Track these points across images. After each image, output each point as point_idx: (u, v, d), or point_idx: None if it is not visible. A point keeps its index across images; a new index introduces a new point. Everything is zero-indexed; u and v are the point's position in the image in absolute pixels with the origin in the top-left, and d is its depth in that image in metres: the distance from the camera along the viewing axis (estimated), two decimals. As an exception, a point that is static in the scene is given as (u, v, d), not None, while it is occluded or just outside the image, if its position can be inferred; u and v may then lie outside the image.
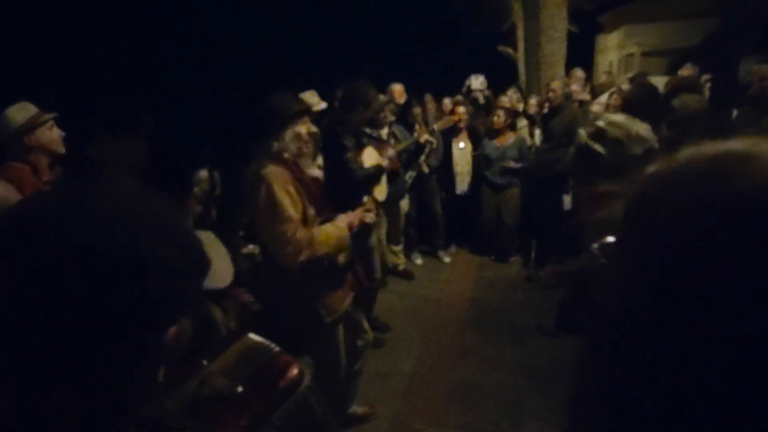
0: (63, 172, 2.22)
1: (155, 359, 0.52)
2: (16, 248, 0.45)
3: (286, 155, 2.04)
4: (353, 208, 2.26)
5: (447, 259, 5.21)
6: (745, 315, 0.27)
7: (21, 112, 2.12)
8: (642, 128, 1.51)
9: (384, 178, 3.43)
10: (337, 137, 3.03)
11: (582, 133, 1.58)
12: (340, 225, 2.08)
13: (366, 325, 2.49)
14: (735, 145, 0.32)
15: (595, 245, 0.92)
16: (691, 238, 0.30)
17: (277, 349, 0.90)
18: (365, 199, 2.88)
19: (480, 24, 15.64)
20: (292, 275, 2.00)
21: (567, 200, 4.84)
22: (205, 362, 0.91)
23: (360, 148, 3.20)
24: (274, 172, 1.96)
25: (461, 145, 5.14)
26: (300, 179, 2.06)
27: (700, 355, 0.28)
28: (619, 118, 1.57)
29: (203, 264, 0.54)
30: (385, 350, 3.52)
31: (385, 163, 3.38)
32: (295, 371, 0.85)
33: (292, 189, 1.97)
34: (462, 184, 5.20)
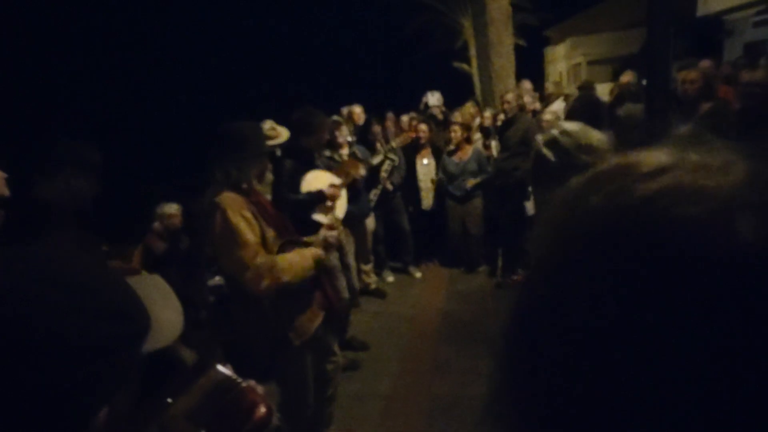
0: (6, 216, 2.11)
1: None
2: None
3: (244, 185, 2.01)
4: (307, 232, 2.24)
5: (418, 275, 5.23)
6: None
7: None
8: (596, 138, 1.57)
9: (343, 196, 3.44)
10: (277, 163, 3.06)
11: (538, 139, 1.64)
12: (305, 254, 2.04)
13: (336, 348, 2.45)
14: (632, 157, 0.30)
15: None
16: (554, 263, 0.29)
17: (244, 384, 0.87)
18: (324, 219, 2.86)
19: (434, 42, 16.14)
20: (258, 300, 1.95)
21: (529, 206, 4.98)
22: (169, 400, 0.86)
23: (305, 172, 3.22)
24: (228, 197, 1.93)
25: (425, 161, 5.23)
26: (256, 202, 2.03)
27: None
28: (574, 126, 1.62)
29: (140, 331, 0.50)
30: (362, 372, 3.47)
31: (337, 182, 3.39)
32: (262, 410, 0.81)
33: (248, 214, 1.93)
34: (427, 200, 5.27)
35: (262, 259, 1.89)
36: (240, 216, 1.90)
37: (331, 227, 2.25)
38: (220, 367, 0.95)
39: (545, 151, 1.58)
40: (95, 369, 0.44)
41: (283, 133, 3.84)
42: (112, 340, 0.46)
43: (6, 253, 0.46)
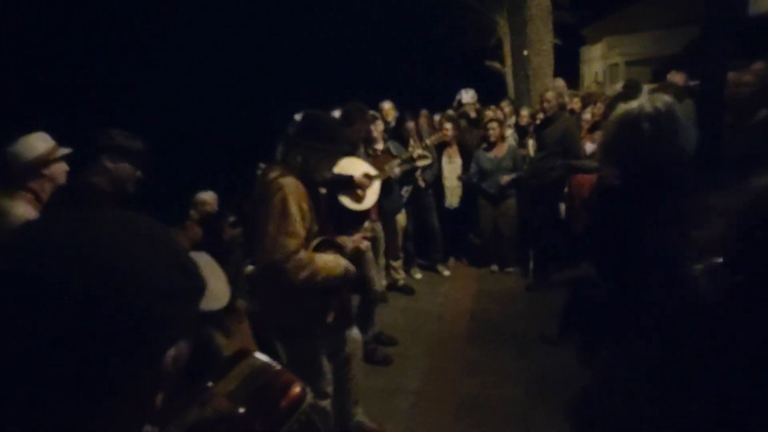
0: (60, 199, 2.21)
1: (154, 382, 0.51)
2: (20, 268, 0.45)
3: (315, 176, 2.08)
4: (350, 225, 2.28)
5: (446, 273, 5.20)
6: None
7: (41, 142, 2.21)
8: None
9: (375, 190, 3.48)
10: None
11: (633, 107, 1.54)
12: (339, 262, 2.09)
13: (352, 342, 2.46)
14: None
15: (699, 266, 0.89)
16: None
17: (278, 367, 0.89)
18: (366, 224, 2.90)
19: (467, 41, 15.96)
20: (282, 283, 1.99)
21: (563, 208, 4.89)
22: (209, 384, 0.89)
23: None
24: (293, 184, 1.98)
25: (451, 160, 5.19)
26: (314, 195, 2.09)
27: None
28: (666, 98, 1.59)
29: (200, 286, 0.54)
30: (391, 367, 3.47)
31: (372, 173, 3.44)
32: (297, 390, 0.84)
33: (305, 206, 1.99)
34: (451, 198, 5.23)
35: (303, 254, 1.95)
36: (298, 206, 1.95)
37: (366, 238, 2.31)
38: (258, 354, 0.97)
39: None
40: (167, 312, 0.49)
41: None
42: (180, 290, 0.51)
43: (91, 213, 0.51)
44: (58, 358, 0.43)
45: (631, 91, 4.12)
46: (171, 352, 0.50)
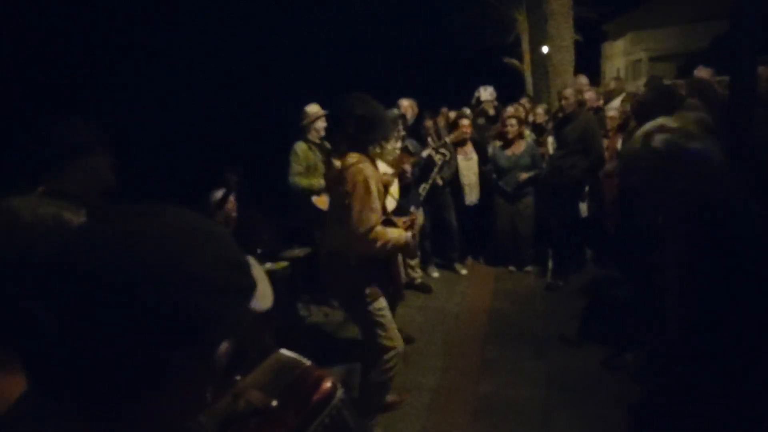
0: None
1: (207, 375, 0.52)
2: (88, 264, 0.46)
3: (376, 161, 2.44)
4: None
5: (463, 272, 5.17)
6: None
7: None
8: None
9: (394, 188, 3.53)
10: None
11: (659, 139, 1.39)
12: (402, 234, 2.43)
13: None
14: None
15: None
16: None
17: (308, 363, 0.90)
18: (412, 209, 3.23)
19: (485, 38, 15.81)
20: (350, 259, 2.35)
21: (583, 207, 4.81)
22: (238, 378, 0.90)
23: None
24: (370, 168, 2.33)
25: (467, 157, 5.15)
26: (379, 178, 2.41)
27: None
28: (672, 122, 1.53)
29: (251, 285, 0.56)
30: (408, 365, 3.47)
31: (389, 171, 3.54)
32: (328, 384, 0.84)
33: (380, 186, 2.35)
34: (470, 195, 5.19)
35: (380, 227, 2.33)
36: (376, 186, 2.31)
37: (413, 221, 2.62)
38: (284, 351, 0.98)
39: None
40: (220, 308, 0.50)
41: (315, 109, 4.16)
42: (234, 287, 0.52)
43: (148, 208, 0.52)
44: (121, 349, 0.45)
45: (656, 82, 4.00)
46: (223, 347, 0.52)
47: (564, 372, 3.23)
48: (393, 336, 2.50)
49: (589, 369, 3.22)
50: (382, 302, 2.48)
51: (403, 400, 2.97)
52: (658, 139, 1.37)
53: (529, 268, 5.08)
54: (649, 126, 1.39)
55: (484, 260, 5.41)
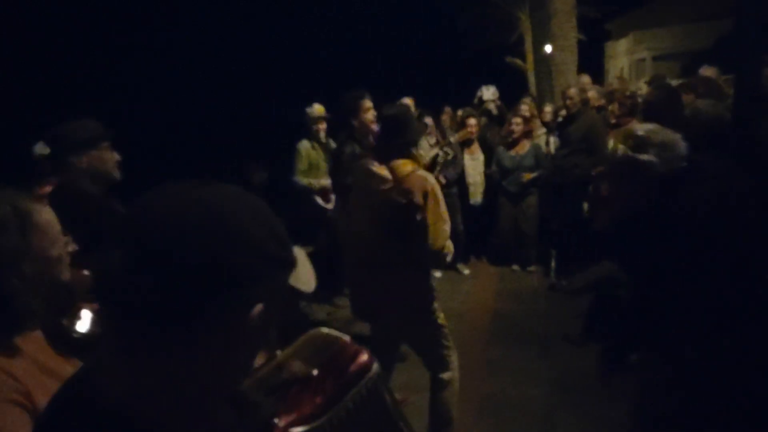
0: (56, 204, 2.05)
1: (246, 335, 0.56)
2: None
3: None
4: None
5: (466, 272, 5.16)
6: None
7: None
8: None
9: None
10: (338, 148, 3.38)
11: (621, 147, 1.59)
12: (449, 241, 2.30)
13: None
14: None
15: None
16: None
17: (347, 338, 0.93)
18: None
19: (488, 37, 15.78)
20: (420, 272, 2.24)
21: (586, 207, 4.79)
22: (278, 352, 0.93)
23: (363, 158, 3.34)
24: (430, 175, 2.21)
25: (473, 156, 5.14)
26: None
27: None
28: (651, 126, 1.62)
29: (290, 259, 0.60)
30: (411, 364, 3.47)
31: None
32: (365, 357, 0.87)
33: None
34: (475, 195, 5.18)
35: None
36: (442, 196, 2.18)
37: None
38: (323, 328, 1.00)
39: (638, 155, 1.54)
40: (259, 269, 0.55)
41: (319, 109, 4.17)
42: (273, 255, 0.57)
43: (193, 188, 0.56)
44: (170, 286, 0.50)
45: (660, 82, 3.99)
46: (258, 308, 0.55)
47: (567, 372, 3.23)
48: (453, 348, 2.45)
49: (593, 369, 3.21)
50: (442, 315, 2.40)
51: (407, 400, 2.96)
52: (620, 149, 1.57)
53: (532, 268, 5.07)
54: (622, 130, 1.58)
55: (487, 260, 5.41)
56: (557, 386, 3.10)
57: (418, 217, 2.09)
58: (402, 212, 2.13)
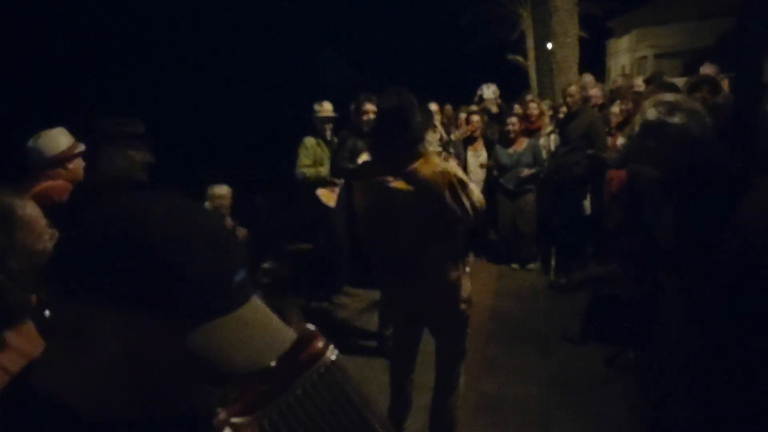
0: (83, 194, 2.19)
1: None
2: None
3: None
4: None
5: (466, 269, 5.14)
6: None
7: (63, 137, 2.20)
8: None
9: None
10: (341, 138, 3.55)
11: (652, 111, 1.61)
12: None
13: None
14: None
15: None
16: None
17: (312, 328, 0.91)
18: None
19: (489, 34, 15.74)
20: (453, 275, 2.27)
21: (586, 205, 4.78)
22: None
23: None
24: (449, 165, 2.14)
25: (477, 153, 5.12)
26: None
27: None
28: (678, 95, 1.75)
29: (238, 263, 0.56)
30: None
31: None
32: (319, 344, 0.84)
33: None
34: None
35: None
36: (462, 172, 2.18)
37: None
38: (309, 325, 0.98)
39: (669, 119, 1.57)
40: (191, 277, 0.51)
41: (328, 108, 4.20)
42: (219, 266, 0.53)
43: (142, 197, 0.55)
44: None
45: (659, 80, 3.98)
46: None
47: (566, 370, 3.22)
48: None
49: (592, 368, 3.21)
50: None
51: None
52: (650, 113, 1.59)
53: (531, 266, 5.06)
54: (652, 99, 1.62)
55: (486, 258, 5.40)
56: (555, 384, 3.09)
57: (449, 212, 2.05)
58: (436, 217, 2.07)
